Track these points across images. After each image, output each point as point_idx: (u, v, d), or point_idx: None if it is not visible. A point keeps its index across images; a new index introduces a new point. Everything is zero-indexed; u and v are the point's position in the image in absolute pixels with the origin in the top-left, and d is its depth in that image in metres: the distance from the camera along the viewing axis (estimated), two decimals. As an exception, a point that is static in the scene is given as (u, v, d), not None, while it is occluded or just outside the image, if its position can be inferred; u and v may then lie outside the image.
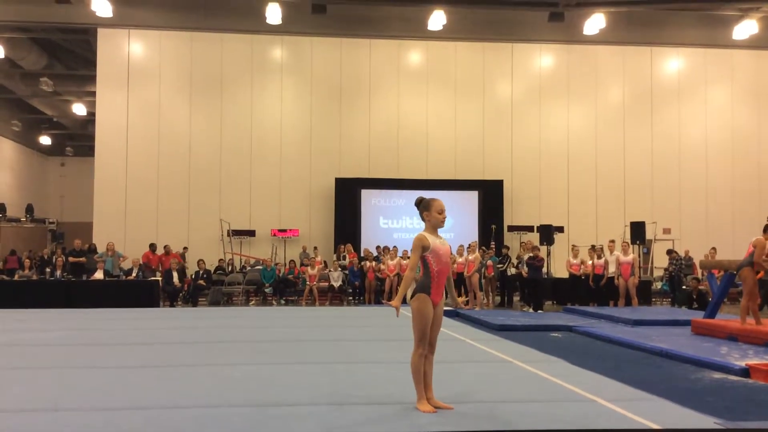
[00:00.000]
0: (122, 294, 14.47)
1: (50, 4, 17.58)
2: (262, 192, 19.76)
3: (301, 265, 17.34)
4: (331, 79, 20.20)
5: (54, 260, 17.78)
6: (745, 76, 21.31)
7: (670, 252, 16.61)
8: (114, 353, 7.35)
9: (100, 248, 16.70)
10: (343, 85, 20.24)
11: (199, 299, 16.25)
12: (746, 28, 19.48)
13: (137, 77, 19.60)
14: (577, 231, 19.50)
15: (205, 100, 19.84)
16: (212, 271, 17.08)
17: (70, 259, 16.26)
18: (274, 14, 18.35)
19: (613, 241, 14.87)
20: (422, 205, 4.71)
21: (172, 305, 15.33)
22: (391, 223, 19.92)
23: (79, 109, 25.10)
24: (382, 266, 16.24)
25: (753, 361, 6.62)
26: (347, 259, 17.08)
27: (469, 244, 15.01)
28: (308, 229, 19.70)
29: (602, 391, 5.16)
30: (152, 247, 17.07)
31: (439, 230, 4.71)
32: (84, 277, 15.43)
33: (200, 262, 16.87)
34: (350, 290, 16.73)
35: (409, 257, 16.08)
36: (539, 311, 13.67)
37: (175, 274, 15.73)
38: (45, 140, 29.49)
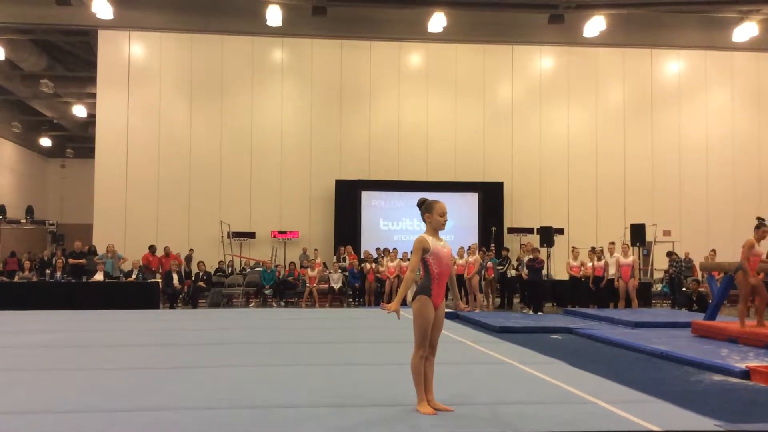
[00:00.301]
0: (122, 296, 14.47)
1: (51, 5, 17.58)
2: (262, 194, 19.76)
3: (301, 267, 17.34)
4: (332, 81, 20.22)
5: (54, 262, 17.77)
6: (745, 79, 21.32)
7: (670, 254, 16.61)
8: (114, 355, 7.35)
9: (100, 250, 16.69)
10: (343, 87, 20.25)
11: (199, 301, 16.24)
12: (746, 30, 19.50)
13: (137, 79, 19.61)
14: (577, 233, 19.50)
15: (206, 102, 19.85)
16: (212, 273, 17.07)
17: (70, 260, 16.25)
18: (274, 16, 18.37)
19: (613, 243, 14.86)
20: (424, 207, 4.72)
21: (172, 307, 15.32)
22: (391, 225, 19.93)
23: (79, 110, 25.11)
24: (382, 268, 16.22)
25: (753, 363, 6.61)
26: (347, 261, 17.06)
27: (469, 246, 15.00)
28: (308, 230, 19.69)
29: (602, 393, 5.16)
30: (152, 248, 17.06)
31: (439, 232, 4.72)
32: (84, 279, 15.42)
33: (200, 263, 16.87)
34: (350, 292, 16.72)
35: (409, 259, 16.05)
36: (539, 313, 13.66)
37: (175, 276, 15.72)
38: (45, 142, 29.51)
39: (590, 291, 14.73)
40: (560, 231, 19.00)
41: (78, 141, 30.24)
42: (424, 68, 20.65)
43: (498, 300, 15.99)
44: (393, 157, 20.16)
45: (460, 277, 14.47)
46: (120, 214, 19.09)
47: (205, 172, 19.59)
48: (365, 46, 20.33)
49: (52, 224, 29.03)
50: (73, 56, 22.14)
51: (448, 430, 4.11)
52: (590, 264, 15.02)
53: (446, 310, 4.89)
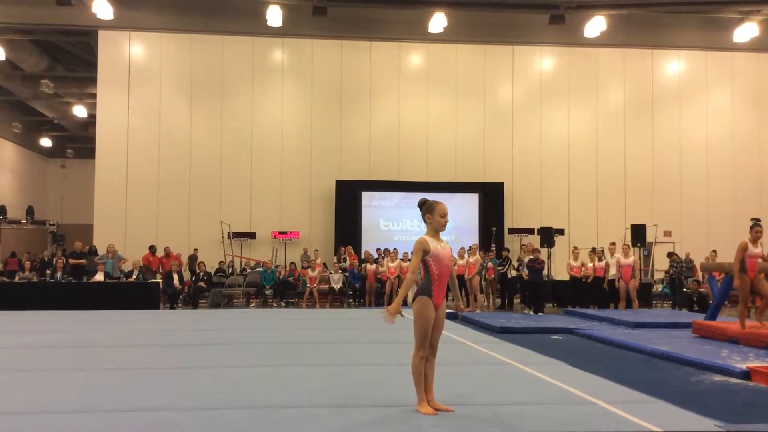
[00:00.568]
0: (122, 296, 14.47)
1: (51, 6, 17.58)
2: (262, 194, 19.76)
3: (302, 267, 17.34)
4: (332, 81, 20.22)
5: (54, 262, 17.77)
6: (745, 79, 21.31)
7: (670, 254, 16.60)
8: (114, 355, 7.35)
9: (101, 250, 16.69)
10: (343, 88, 20.25)
11: (200, 301, 16.24)
12: (747, 31, 19.49)
13: (138, 79, 19.62)
14: (578, 233, 19.49)
15: (206, 103, 19.85)
16: (212, 274, 17.07)
17: (71, 261, 16.26)
18: (274, 16, 18.37)
19: (613, 244, 14.86)
20: (425, 207, 4.72)
21: (172, 307, 15.33)
22: (391, 225, 19.92)
23: (79, 111, 25.12)
24: (382, 268, 16.21)
25: (754, 364, 6.61)
26: (348, 262, 17.06)
27: (470, 247, 15.00)
28: (309, 231, 19.69)
29: (603, 394, 5.16)
30: (152, 249, 17.07)
31: (440, 233, 4.72)
32: (84, 279, 15.43)
33: (200, 264, 16.87)
34: (351, 292, 16.72)
35: (409, 260, 16.02)
36: (540, 314, 13.65)
37: (175, 276, 15.72)
38: (46, 142, 29.51)
39: (591, 291, 14.72)
40: (561, 231, 18.99)
41: (78, 141, 30.26)
42: (424, 69, 20.65)
43: (498, 300, 15.99)
44: (393, 157, 20.16)
45: (460, 278, 14.46)
46: (120, 215, 19.10)
47: (206, 173, 19.59)
48: (365, 47, 20.33)
49: (53, 224, 29.04)
50: (73, 56, 22.14)
51: (449, 430, 4.11)
52: (591, 264, 15.02)
53: (447, 310, 4.89)
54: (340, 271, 16.56)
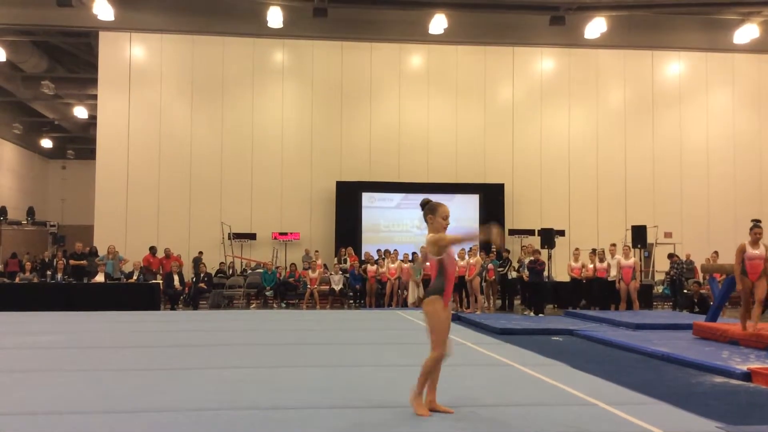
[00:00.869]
0: (123, 297, 14.46)
1: (52, 7, 17.59)
2: (263, 195, 19.76)
3: (303, 268, 17.32)
4: (333, 82, 20.22)
5: (55, 263, 17.75)
6: (746, 80, 21.31)
7: (671, 256, 16.60)
8: (115, 356, 7.35)
9: (101, 251, 16.70)
10: (344, 89, 20.25)
11: (200, 302, 16.24)
12: (747, 32, 19.49)
13: (138, 80, 19.63)
14: (579, 234, 19.48)
15: (207, 104, 19.86)
16: (213, 274, 17.07)
17: (71, 262, 16.26)
18: (275, 18, 18.38)
19: (614, 245, 14.85)
20: (428, 208, 4.71)
21: (173, 308, 15.33)
22: (392, 227, 19.91)
23: (80, 112, 25.12)
24: (382, 269, 16.19)
25: (755, 365, 6.61)
26: (348, 263, 17.06)
27: (471, 248, 15.00)
28: (309, 232, 19.68)
29: (603, 395, 5.15)
30: (153, 250, 17.07)
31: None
32: (85, 280, 15.42)
33: (201, 265, 16.86)
34: (351, 294, 16.72)
35: (410, 260, 15.96)
36: (540, 315, 13.65)
37: (175, 277, 15.72)
38: (46, 143, 29.52)
39: (591, 292, 14.71)
40: (561, 233, 18.97)
41: (79, 142, 30.27)
42: (424, 70, 20.65)
43: (499, 302, 15.98)
44: (394, 158, 20.16)
45: (461, 279, 14.46)
46: (121, 216, 19.10)
47: (206, 174, 19.59)
48: (366, 48, 20.33)
49: (53, 225, 28.94)
50: (74, 57, 22.15)
51: (449, 431, 4.10)
52: (591, 266, 15.01)
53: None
54: (340, 272, 16.55)
